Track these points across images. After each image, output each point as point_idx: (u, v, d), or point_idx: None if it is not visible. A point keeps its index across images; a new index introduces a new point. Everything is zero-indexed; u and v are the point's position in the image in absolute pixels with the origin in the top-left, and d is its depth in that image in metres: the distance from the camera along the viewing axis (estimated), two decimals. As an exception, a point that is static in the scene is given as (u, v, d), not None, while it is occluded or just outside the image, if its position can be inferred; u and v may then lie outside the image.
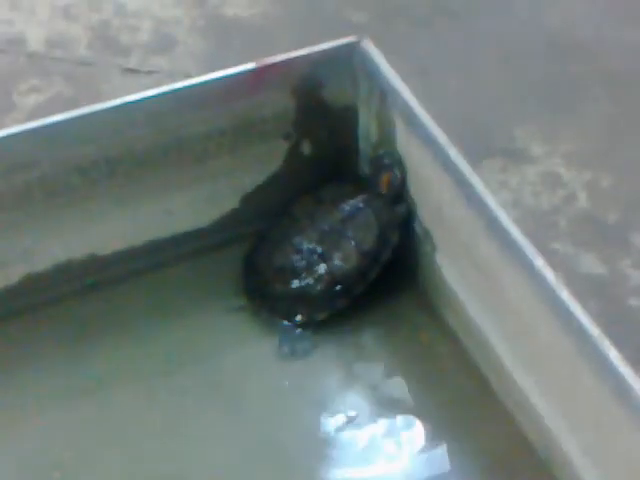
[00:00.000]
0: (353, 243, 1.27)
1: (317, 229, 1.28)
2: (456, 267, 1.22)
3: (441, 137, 1.17)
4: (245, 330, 1.28)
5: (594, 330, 0.97)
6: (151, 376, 1.23)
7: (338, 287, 1.27)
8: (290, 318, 1.28)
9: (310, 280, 1.27)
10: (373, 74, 1.26)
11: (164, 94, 1.22)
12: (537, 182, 1.50)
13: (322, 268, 1.27)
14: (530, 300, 1.05)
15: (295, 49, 1.29)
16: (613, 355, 0.94)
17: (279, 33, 1.77)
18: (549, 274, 1.01)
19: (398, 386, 1.23)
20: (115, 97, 1.57)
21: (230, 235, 1.34)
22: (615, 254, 1.40)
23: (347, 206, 1.29)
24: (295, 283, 1.27)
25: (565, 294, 1.00)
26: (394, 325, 1.29)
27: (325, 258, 1.27)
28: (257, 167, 1.32)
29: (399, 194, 1.28)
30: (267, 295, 1.29)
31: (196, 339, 1.26)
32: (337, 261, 1.26)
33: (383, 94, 1.25)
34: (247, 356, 1.25)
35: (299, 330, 1.28)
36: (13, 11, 1.81)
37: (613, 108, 1.63)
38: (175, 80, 1.61)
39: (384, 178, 1.28)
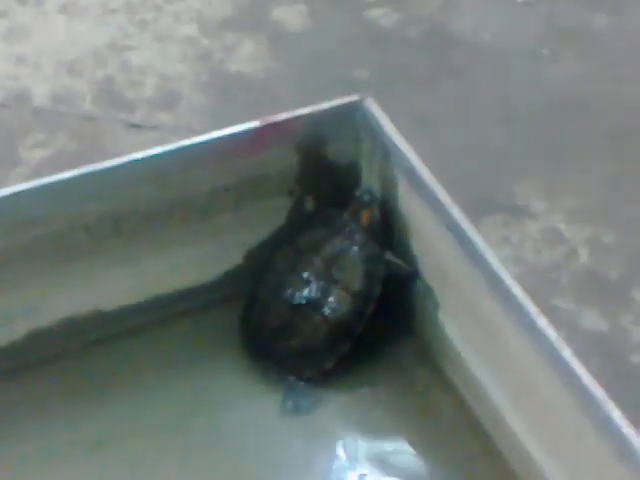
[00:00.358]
0: (342, 286, 1.27)
1: (303, 281, 1.28)
2: (458, 323, 1.23)
3: (443, 196, 1.18)
4: (250, 385, 1.28)
5: (597, 391, 0.97)
6: (156, 431, 1.23)
7: (337, 333, 1.27)
8: (299, 374, 1.28)
9: (308, 333, 1.27)
10: (376, 132, 1.27)
11: (169, 152, 1.23)
12: (538, 238, 1.52)
13: (317, 318, 1.27)
14: (532, 358, 1.06)
15: (297, 105, 1.31)
16: (616, 416, 0.95)
17: (282, 89, 1.79)
18: (552, 333, 1.02)
19: (399, 442, 1.23)
20: (119, 152, 1.58)
21: (234, 291, 1.34)
22: (617, 310, 1.41)
23: (327, 250, 1.28)
24: (295, 339, 1.28)
25: (567, 353, 1.01)
26: (396, 380, 1.29)
27: (318, 308, 1.27)
28: (261, 223, 1.33)
29: (378, 231, 1.28)
30: (271, 355, 1.29)
31: (200, 394, 1.26)
32: (330, 309, 1.26)
33: (386, 152, 1.27)
34: (251, 412, 1.26)
35: (303, 384, 1.28)
36: (19, 66, 1.83)
37: (613, 164, 1.65)
38: (179, 135, 1.66)
39: (364, 215, 1.28)
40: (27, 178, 1.58)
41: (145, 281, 1.30)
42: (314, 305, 1.27)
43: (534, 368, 1.06)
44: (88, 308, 1.29)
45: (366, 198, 1.29)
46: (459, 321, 1.22)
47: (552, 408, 1.06)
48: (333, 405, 1.27)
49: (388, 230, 1.29)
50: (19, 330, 1.27)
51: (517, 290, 1.07)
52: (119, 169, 1.22)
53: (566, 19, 1.94)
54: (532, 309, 1.05)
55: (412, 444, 1.23)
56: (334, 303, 1.27)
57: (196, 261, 1.32)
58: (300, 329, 1.28)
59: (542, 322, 1.03)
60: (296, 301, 1.28)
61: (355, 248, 1.28)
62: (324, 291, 1.27)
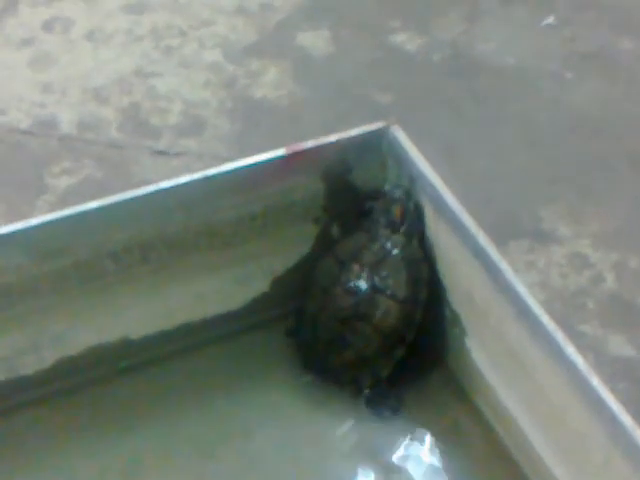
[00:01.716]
0: (388, 294, 1.26)
1: (348, 292, 1.27)
2: (485, 350, 1.23)
3: (469, 222, 1.18)
4: (280, 410, 1.29)
5: (626, 418, 0.97)
6: (187, 458, 1.24)
7: (390, 341, 1.26)
8: (358, 384, 1.28)
9: (361, 344, 1.27)
10: (402, 159, 1.28)
11: (196, 181, 1.24)
12: (564, 263, 1.51)
13: (368, 329, 1.26)
14: (561, 385, 1.06)
15: (322, 131, 1.31)
16: (646, 444, 0.94)
17: (306, 114, 1.79)
18: (580, 361, 1.02)
19: (428, 470, 1.23)
20: (145, 179, 1.62)
21: (261, 318, 1.35)
22: (645, 336, 1.41)
23: (368, 257, 1.27)
24: (349, 351, 1.28)
25: (596, 381, 1.00)
26: (424, 407, 1.29)
27: (366, 319, 1.26)
28: (287, 250, 1.34)
29: (413, 227, 1.28)
30: (327, 369, 1.30)
31: (230, 421, 1.27)
32: (379, 318, 1.26)
33: (412, 179, 1.27)
34: (282, 437, 1.26)
35: (382, 389, 1.29)
36: (45, 93, 1.84)
37: (639, 188, 1.64)
38: (204, 162, 1.67)
39: (397, 210, 1.28)
40: (53, 206, 1.60)
41: (172, 309, 1.31)
42: (362, 316, 1.26)
43: (563, 395, 1.06)
44: (116, 336, 1.30)
45: (397, 193, 1.28)
46: (487, 348, 1.22)
47: (581, 436, 1.05)
48: (363, 431, 1.27)
49: (420, 224, 1.28)
50: (47, 358, 1.28)
51: (545, 318, 1.07)
52: (146, 198, 1.23)
53: (590, 42, 1.94)
54: (560, 337, 1.05)
55: (440, 472, 1.23)
56: (382, 312, 1.26)
57: (223, 289, 1.32)
58: (352, 341, 1.27)
59: (570, 350, 1.03)
60: (344, 314, 1.27)
61: (395, 252, 1.27)
62: (370, 301, 1.26)
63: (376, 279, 1.27)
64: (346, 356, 1.28)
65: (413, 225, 1.28)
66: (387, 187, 1.30)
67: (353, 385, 1.29)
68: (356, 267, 1.28)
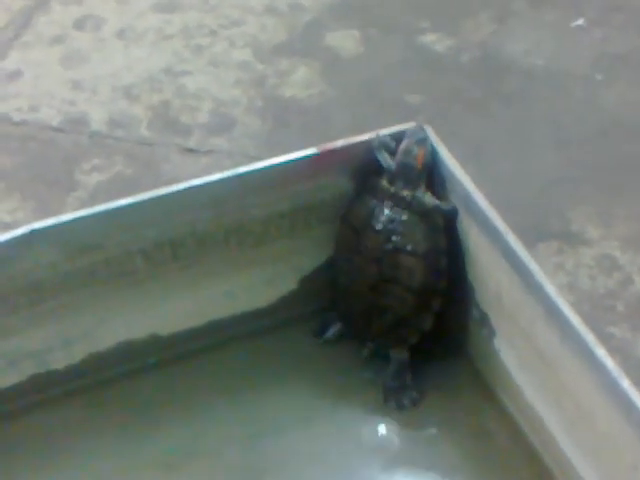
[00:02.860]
0: (408, 251, 1.26)
1: (370, 260, 1.27)
2: (514, 351, 1.23)
3: (499, 223, 1.18)
4: (307, 408, 1.29)
5: (656, 421, 0.97)
6: (212, 455, 1.24)
7: (425, 294, 1.27)
8: (402, 343, 1.30)
9: (396, 305, 1.28)
10: (432, 160, 1.28)
11: (226, 178, 1.25)
12: (593, 265, 1.51)
13: (399, 290, 1.27)
14: (589, 387, 1.06)
15: (350, 130, 1.31)
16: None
17: (335, 114, 1.80)
18: (610, 363, 1.02)
19: (452, 468, 1.23)
20: (175, 176, 1.62)
21: (289, 316, 1.35)
22: (674, 339, 1.40)
23: (381, 221, 1.27)
24: (388, 315, 1.29)
25: (626, 383, 1.00)
26: (450, 407, 1.29)
27: (395, 280, 1.27)
28: (316, 249, 1.34)
29: (430, 170, 1.27)
30: (372, 336, 1.31)
31: (257, 417, 1.27)
32: (407, 277, 1.26)
33: (442, 179, 1.27)
34: (308, 435, 1.27)
35: (405, 381, 1.30)
36: (75, 91, 1.85)
37: (670, 190, 1.64)
38: (234, 160, 1.68)
39: (420, 152, 1.26)
40: (84, 202, 1.61)
41: (201, 306, 1.32)
42: (390, 279, 1.27)
43: (591, 397, 1.06)
44: (145, 332, 1.30)
45: (421, 135, 1.28)
46: (515, 349, 1.22)
47: (609, 437, 1.05)
48: (385, 427, 1.28)
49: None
50: (77, 353, 1.29)
51: (575, 319, 1.07)
52: (177, 195, 1.23)
53: (620, 44, 1.93)
54: (590, 338, 1.05)
55: (465, 470, 1.23)
56: (407, 270, 1.26)
57: (251, 286, 1.33)
58: (387, 305, 1.28)
59: (600, 352, 1.03)
60: (371, 282, 1.28)
61: (406, 210, 1.26)
62: (393, 262, 1.26)
63: (393, 239, 1.26)
64: (386, 320, 1.29)
65: (426, 173, 1.27)
66: (410, 130, 1.29)
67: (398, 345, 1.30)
68: (371, 233, 1.28)
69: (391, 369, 1.31)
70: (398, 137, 1.29)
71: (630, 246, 1.54)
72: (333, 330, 1.35)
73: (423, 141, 1.27)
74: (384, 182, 1.28)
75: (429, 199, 1.26)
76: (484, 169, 1.52)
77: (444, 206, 1.26)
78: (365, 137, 1.29)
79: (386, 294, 1.28)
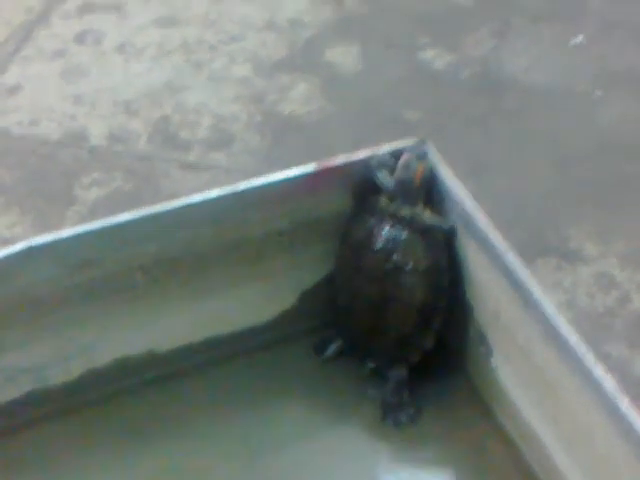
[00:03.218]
0: (409, 269, 1.26)
1: (371, 278, 1.28)
2: (511, 369, 1.23)
3: (498, 241, 1.18)
4: (306, 424, 1.29)
5: (654, 441, 0.97)
6: (213, 471, 1.24)
7: (425, 311, 1.27)
8: (404, 361, 1.29)
9: (398, 323, 1.28)
10: (432, 176, 1.28)
11: (226, 195, 1.25)
12: (591, 283, 1.51)
13: (400, 308, 1.27)
14: (588, 406, 1.06)
15: (350, 146, 1.31)
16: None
17: (334, 130, 1.80)
18: (608, 382, 1.02)
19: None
20: (174, 192, 1.62)
21: (288, 332, 1.35)
22: (672, 356, 1.40)
23: (381, 239, 1.27)
24: (390, 333, 1.29)
25: (625, 403, 1.00)
26: (447, 425, 1.29)
27: (396, 299, 1.27)
28: (315, 266, 1.34)
29: (429, 187, 1.27)
30: (374, 354, 1.31)
31: (255, 435, 1.27)
32: (408, 296, 1.26)
33: (441, 196, 1.27)
34: (308, 451, 1.26)
35: (402, 397, 1.29)
36: (76, 105, 1.86)
37: (667, 208, 1.64)
38: (233, 176, 1.68)
39: (419, 168, 1.26)
40: (83, 217, 1.61)
41: (199, 322, 1.32)
42: (391, 298, 1.27)
43: (589, 416, 1.06)
44: (143, 348, 1.30)
45: (420, 150, 1.28)
46: (512, 366, 1.22)
47: (606, 456, 1.05)
48: (384, 444, 1.28)
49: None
50: (75, 369, 1.28)
51: (573, 338, 1.07)
52: (176, 211, 1.23)
53: (619, 61, 1.94)
54: (589, 357, 1.04)
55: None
56: (409, 289, 1.26)
57: (250, 302, 1.33)
58: (389, 323, 1.28)
59: (599, 371, 1.03)
60: (373, 301, 1.28)
61: (406, 227, 1.26)
62: (394, 281, 1.27)
63: (393, 257, 1.26)
64: (387, 339, 1.29)
65: (423, 188, 1.27)
66: (409, 146, 1.29)
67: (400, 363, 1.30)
68: (371, 252, 1.28)
69: (390, 386, 1.31)
70: (397, 154, 1.29)
71: (628, 264, 1.54)
72: (333, 348, 1.35)
73: (422, 156, 1.27)
74: (383, 200, 1.28)
75: (429, 217, 1.27)
76: (483, 186, 1.52)
77: (444, 225, 1.26)
78: (364, 154, 1.29)
79: (387, 313, 1.28)
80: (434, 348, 1.29)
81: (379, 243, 1.27)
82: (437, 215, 1.27)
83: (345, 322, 1.33)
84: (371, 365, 1.32)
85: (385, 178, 1.28)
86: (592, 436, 1.07)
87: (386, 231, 1.27)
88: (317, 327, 1.35)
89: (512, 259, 1.15)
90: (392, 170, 1.28)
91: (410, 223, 1.26)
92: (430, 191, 1.28)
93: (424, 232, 1.26)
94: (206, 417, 1.29)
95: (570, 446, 1.13)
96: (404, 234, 1.27)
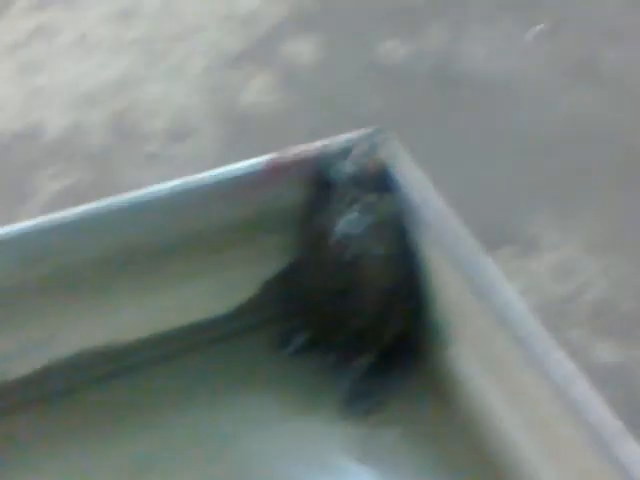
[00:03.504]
0: (373, 255, 1.24)
1: (334, 267, 1.27)
2: (470, 358, 1.23)
3: (455, 228, 1.18)
4: (273, 411, 1.29)
5: (613, 424, 0.97)
6: (180, 457, 1.23)
7: (390, 297, 1.26)
8: (366, 352, 1.28)
9: (363, 310, 1.27)
10: (388, 164, 1.28)
11: (183, 185, 1.24)
12: (553, 270, 1.52)
13: (367, 292, 1.26)
14: (545, 391, 1.06)
15: (310, 138, 1.31)
16: (631, 450, 0.94)
17: (294, 122, 1.80)
18: (566, 366, 1.02)
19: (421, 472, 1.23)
20: (133, 183, 1.60)
21: (247, 323, 1.35)
22: (633, 342, 1.41)
23: (341, 227, 1.26)
24: (353, 320, 1.27)
25: (581, 387, 1.00)
26: (407, 415, 1.28)
27: (361, 284, 1.26)
28: (275, 256, 1.33)
29: (387, 176, 1.26)
30: (331, 343, 1.30)
31: (216, 427, 1.26)
32: (371, 280, 1.25)
33: (398, 185, 1.27)
34: (276, 435, 1.26)
35: (363, 386, 1.29)
36: (33, 98, 1.85)
37: (629, 194, 1.65)
38: (192, 167, 1.66)
39: (375, 156, 1.26)
40: (42, 210, 1.60)
41: (158, 314, 1.30)
42: (355, 284, 1.26)
43: (547, 401, 1.06)
44: (102, 341, 1.29)
45: (377, 139, 1.27)
46: (472, 355, 1.22)
47: (566, 441, 1.05)
48: (349, 429, 1.27)
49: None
50: (34, 362, 1.27)
51: (530, 324, 1.07)
52: (132, 203, 1.22)
53: (576, 52, 1.95)
54: (545, 343, 1.05)
55: (426, 472, 1.22)
56: (370, 275, 1.25)
57: (210, 294, 1.32)
58: (354, 311, 1.27)
59: (555, 356, 1.03)
60: (337, 288, 1.27)
61: (365, 215, 1.26)
62: (356, 268, 1.26)
63: (354, 245, 1.25)
64: (352, 326, 1.28)
65: (381, 176, 1.27)
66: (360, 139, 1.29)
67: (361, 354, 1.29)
68: (332, 240, 1.27)
69: (354, 375, 1.30)
70: (354, 143, 1.29)
71: (589, 251, 1.55)
72: (298, 341, 1.34)
73: (379, 144, 1.28)
74: (340, 189, 1.28)
75: (387, 203, 1.27)
76: (442, 176, 1.51)
77: (398, 210, 1.26)
78: (321, 144, 1.28)
79: (353, 299, 1.28)
80: (396, 337, 1.29)
81: (338, 232, 1.27)
82: (394, 203, 1.27)
83: (309, 311, 1.33)
84: (337, 353, 1.31)
85: (340, 172, 1.28)
86: (551, 421, 1.07)
87: (346, 219, 1.27)
88: (279, 316, 1.35)
89: (468, 246, 1.16)
90: (346, 163, 1.28)
91: (368, 211, 1.26)
92: (386, 179, 1.28)
93: (382, 220, 1.26)
94: (172, 406, 1.28)
95: (530, 432, 1.13)
96: (362, 222, 1.27)
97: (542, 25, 1.98)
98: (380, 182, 1.28)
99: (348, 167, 1.28)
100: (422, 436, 1.26)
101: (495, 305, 1.12)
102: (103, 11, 2.01)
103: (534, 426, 1.12)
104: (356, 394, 1.29)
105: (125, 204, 1.22)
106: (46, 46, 1.94)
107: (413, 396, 1.30)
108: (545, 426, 1.09)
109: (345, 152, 1.29)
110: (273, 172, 1.28)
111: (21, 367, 1.27)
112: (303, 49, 1.93)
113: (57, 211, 1.22)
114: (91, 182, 1.66)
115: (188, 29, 1.97)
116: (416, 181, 1.24)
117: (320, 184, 1.30)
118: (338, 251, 1.27)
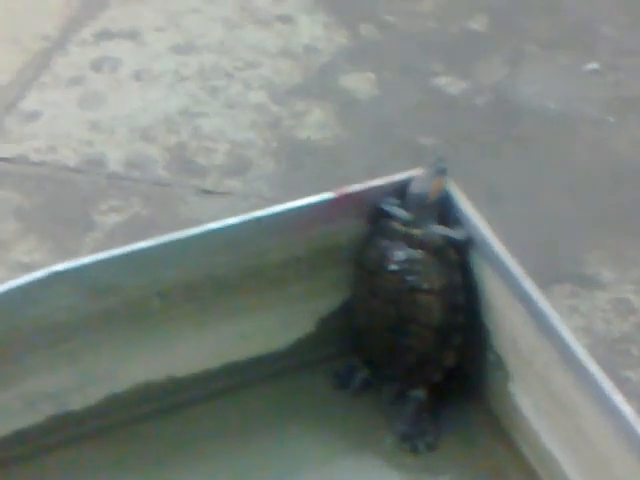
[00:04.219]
0: (424, 290, 1.26)
1: (387, 301, 1.28)
2: (529, 394, 1.23)
3: (514, 267, 1.19)
4: (324, 450, 1.30)
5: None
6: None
7: (444, 331, 1.27)
8: (425, 382, 1.30)
9: (418, 344, 1.28)
10: (446, 195, 1.29)
11: (245, 222, 1.26)
12: (608, 308, 1.51)
13: (418, 329, 1.27)
14: (606, 433, 1.06)
15: (365, 173, 1.33)
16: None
17: (349, 156, 1.81)
18: (628, 410, 1.02)
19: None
20: (191, 218, 1.63)
21: (306, 358, 1.36)
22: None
23: (395, 261, 1.28)
24: (410, 355, 1.29)
25: (643, 429, 1.00)
26: (466, 451, 1.29)
27: (413, 320, 1.27)
28: (332, 292, 1.35)
29: (443, 210, 1.28)
30: (396, 376, 1.32)
31: (273, 461, 1.27)
32: (424, 315, 1.27)
33: (455, 221, 1.28)
34: (325, 476, 1.27)
35: (420, 424, 1.30)
36: (93, 132, 1.87)
37: (682, 234, 1.64)
38: (249, 202, 1.69)
39: (435, 183, 1.28)
40: (101, 243, 1.62)
41: (217, 348, 1.32)
42: (408, 320, 1.27)
43: (608, 443, 1.06)
44: (162, 374, 1.31)
45: (441, 166, 1.29)
46: (531, 392, 1.22)
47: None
48: (402, 470, 1.28)
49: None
50: (95, 395, 1.29)
51: (591, 364, 1.07)
52: (194, 238, 1.25)
53: (633, 87, 1.95)
54: (607, 384, 1.05)
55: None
56: (425, 309, 1.27)
57: (268, 329, 1.34)
58: (408, 345, 1.28)
59: (618, 398, 1.03)
60: (390, 323, 1.29)
61: (419, 248, 1.27)
62: (410, 302, 1.27)
63: (408, 278, 1.27)
64: (408, 359, 1.29)
65: (440, 207, 1.28)
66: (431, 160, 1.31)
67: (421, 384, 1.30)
68: (386, 274, 1.28)
69: (409, 412, 1.31)
70: (411, 180, 1.30)
71: (644, 290, 1.55)
72: (359, 378, 1.35)
73: (440, 172, 1.29)
74: (395, 223, 1.29)
75: (441, 231, 1.27)
76: (497, 211, 1.52)
77: (457, 236, 1.27)
78: (381, 182, 1.30)
79: (406, 334, 1.29)
80: (452, 372, 1.30)
81: (393, 265, 1.28)
82: (451, 229, 1.28)
83: (365, 346, 1.34)
84: (393, 388, 1.32)
85: (397, 209, 1.29)
86: (610, 463, 1.07)
87: (399, 252, 1.28)
88: (335, 354, 1.36)
89: (528, 285, 1.16)
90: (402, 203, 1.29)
91: (422, 243, 1.27)
92: (444, 213, 1.29)
93: (437, 251, 1.27)
94: (224, 443, 1.29)
95: (589, 473, 1.13)
96: (417, 254, 1.27)
97: (596, 62, 1.98)
98: (437, 217, 1.29)
99: (405, 203, 1.29)
100: (479, 477, 1.26)
101: (554, 344, 1.13)
102: (162, 46, 2.04)
103: (594, 468, 1.11)
104: (412, 431, 1.30)
105: (187, 239, 1.24)
106: (106, 80, 1.96)
107: (470, 434, 1.30)
108: (603, 467, 1.09)
109: (402, 189, 1.30)
110: (331, 209, 1.29)
111: (81, 400, 1.29)
112: (359, 83, 1.94)
113: (117, 245, 1.24)
114: (148, 216, 1.68)
115: (244, 64, 1.99)
116: (472, 216, 1.25)
117: (375, 220, 1.31)
118: (393, 284, 1.28)
